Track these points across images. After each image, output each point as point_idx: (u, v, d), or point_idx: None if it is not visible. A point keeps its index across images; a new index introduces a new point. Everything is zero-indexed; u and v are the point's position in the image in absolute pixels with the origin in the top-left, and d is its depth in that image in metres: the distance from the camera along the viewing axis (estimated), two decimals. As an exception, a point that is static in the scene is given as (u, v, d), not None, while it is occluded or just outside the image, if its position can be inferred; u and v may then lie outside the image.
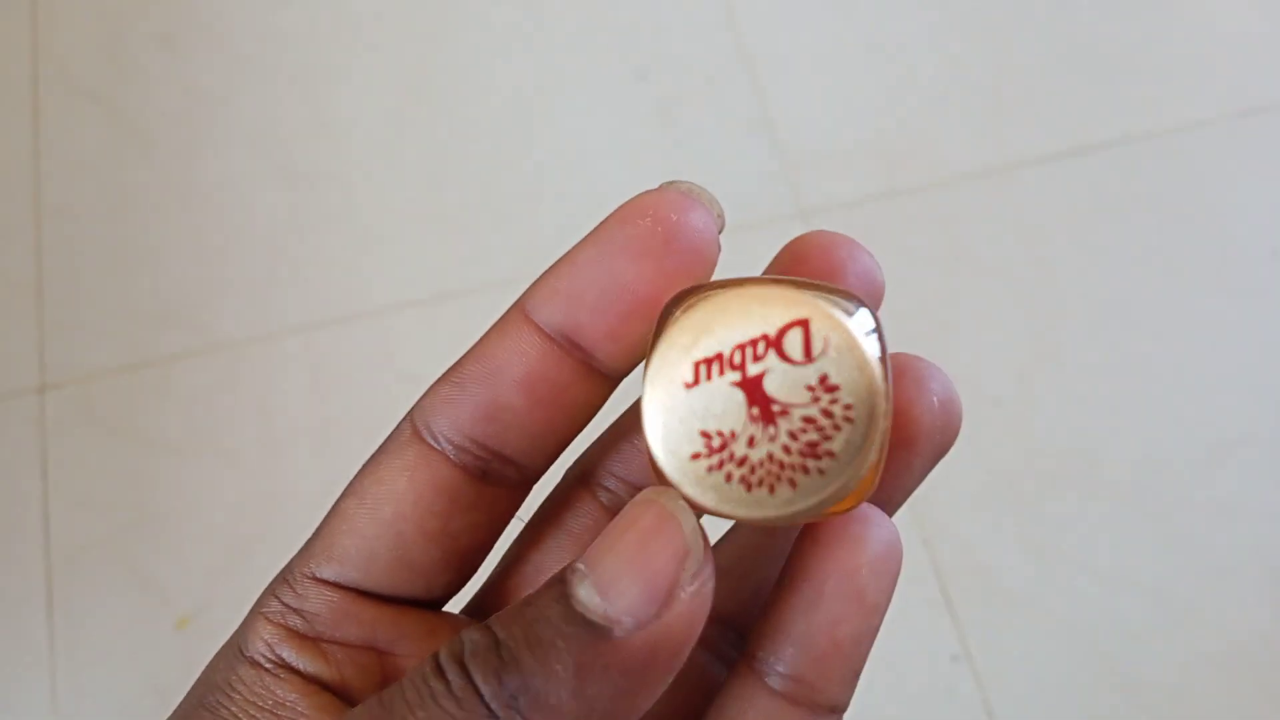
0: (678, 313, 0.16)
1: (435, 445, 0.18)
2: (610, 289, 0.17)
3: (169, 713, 0.18)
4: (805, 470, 0.15)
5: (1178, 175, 0.63)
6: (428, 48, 0.69)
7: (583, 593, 0.14)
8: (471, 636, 0.15)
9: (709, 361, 0.15)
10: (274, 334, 0.61)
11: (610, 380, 0.18)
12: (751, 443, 0.15)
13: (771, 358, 0.15)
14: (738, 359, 0.15)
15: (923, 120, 0.66)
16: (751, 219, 0.63)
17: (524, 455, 0.18)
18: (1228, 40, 0.67)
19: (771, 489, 0.15)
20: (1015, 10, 0.68)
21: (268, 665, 0.17)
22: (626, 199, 0.18)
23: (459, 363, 0.18)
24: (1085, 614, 0.54)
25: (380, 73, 0.68)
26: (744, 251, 0.65)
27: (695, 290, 0.16)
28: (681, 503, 0.15)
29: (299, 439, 0.59)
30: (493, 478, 0.18)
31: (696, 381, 0.15)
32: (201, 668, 0.18)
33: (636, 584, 0.14)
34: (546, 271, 0.18)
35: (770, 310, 0.15)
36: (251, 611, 0.18)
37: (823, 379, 0.15)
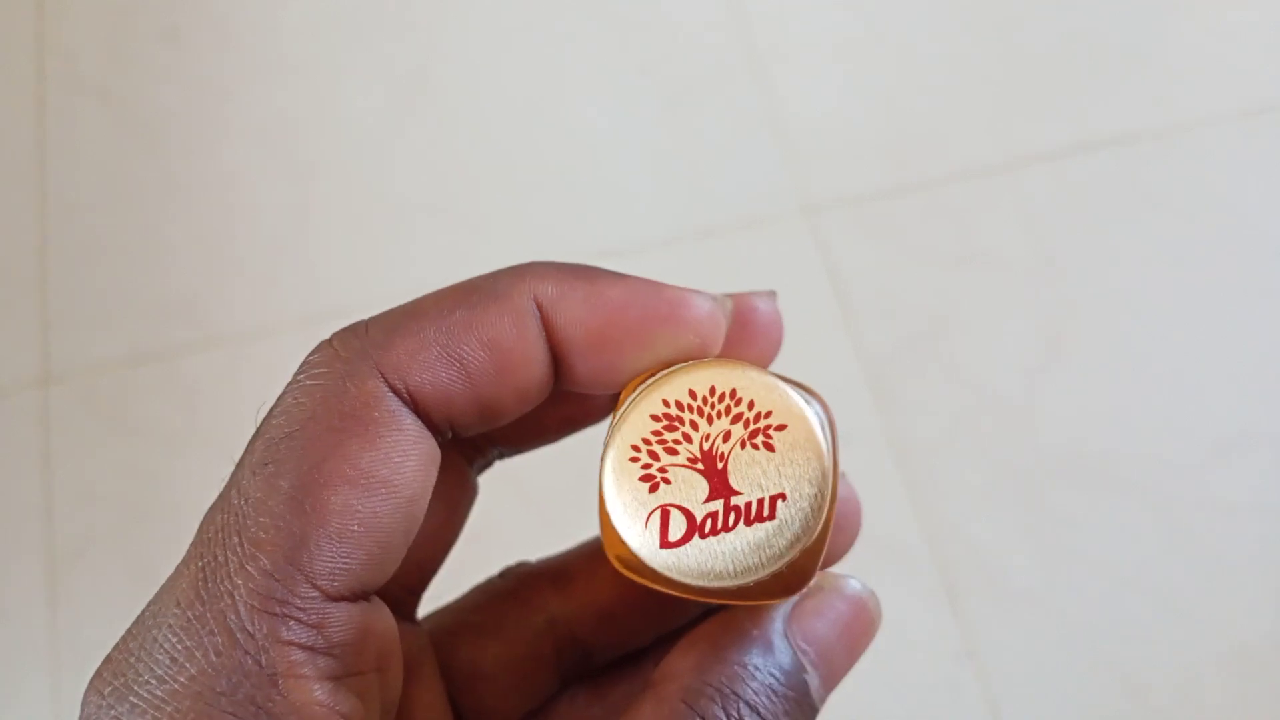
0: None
1: (413, 408, 0.16)
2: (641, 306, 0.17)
3: None
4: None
5: (1187, 172, 0.63)
6: (432, 43, 0.69)
7: (814, 686, 0.16)
8: None
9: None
10: (278, 327, 0.61)
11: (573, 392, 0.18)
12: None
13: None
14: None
15: (928, 116, 0.65)
16: (756, 216, 0.63)
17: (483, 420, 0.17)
18: (1239, 36, 0.67)
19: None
20: (1023, 5, 0.68)
21: None
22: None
23: (423, 312, 0.16)
24: (1091, 612, 0.54)
25: (385, 68, 0.68)
26: (748, 248, 0.65)
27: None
28: (873, 592, 0.17)
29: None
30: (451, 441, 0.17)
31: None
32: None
33: (844, 668, 0.17)
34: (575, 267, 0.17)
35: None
36: (251, 650, 0.14)
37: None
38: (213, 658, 0.14)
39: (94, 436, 0.59)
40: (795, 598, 0.16)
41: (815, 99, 0.66)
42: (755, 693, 0.15)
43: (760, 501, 0.14)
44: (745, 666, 0.15)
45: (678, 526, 0.14)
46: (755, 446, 0.14)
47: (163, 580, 0.15)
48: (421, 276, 0.62)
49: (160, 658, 0.14)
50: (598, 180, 0.64)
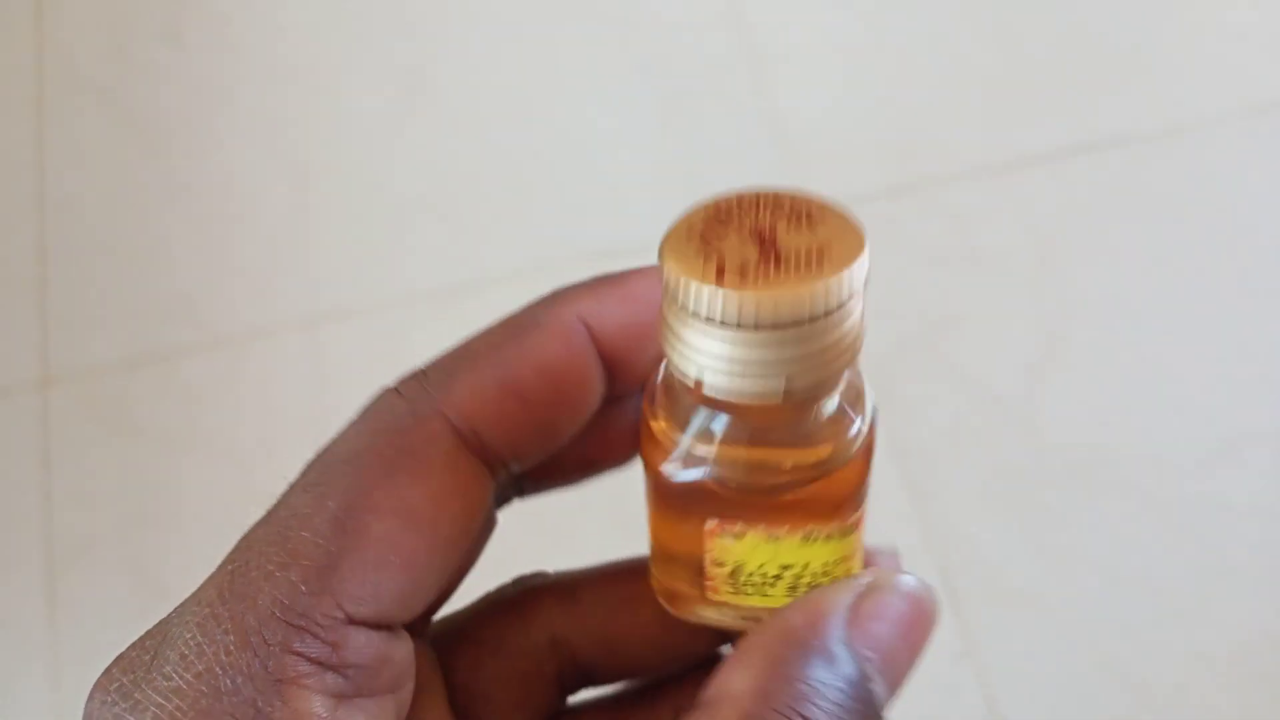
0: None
1: (476, 447, 0.16)
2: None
3: None
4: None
5: (1187, 171, 0.63)
6: (432, 43, 0.69)
7: (879, 694, 0.15)
8: None
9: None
10: (277, 328, 0.61)
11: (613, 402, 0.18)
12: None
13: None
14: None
15: (929, 115, 0.65)
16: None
17: (524, 452, 0.17)
18: (1240, 35, 0.67)
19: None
20: (1023, 4, 0.68)
21: None
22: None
23: (478, 350, 0.16)
24: (1090, 612, 0.54)
25: (384, 68, 0.68)
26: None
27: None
28: (929, 585, 0.17)
29: (302, 434, 0.59)
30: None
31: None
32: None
33: (908, 671, 0.16)
34: (603, 279, 0.17)
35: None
36: (261, 653, 0.14)
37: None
38: (223, 656, 0.14)
39: (94, 437, 0.59)
40: (849, 596, 0.16)
41: (815, 99, 0.66)
42: (824, 712, 0.14)
43: (808, 251, 0.15)
44: (810, 684, 0.14)
45: (733, 276, 0.14)
46: (799, 223, 0.15)
47: (163, 581, 0.15)
48: (420, 276, 0.62)
49: (171, 654, 0.14)
50: (598, 180, 0.64)
